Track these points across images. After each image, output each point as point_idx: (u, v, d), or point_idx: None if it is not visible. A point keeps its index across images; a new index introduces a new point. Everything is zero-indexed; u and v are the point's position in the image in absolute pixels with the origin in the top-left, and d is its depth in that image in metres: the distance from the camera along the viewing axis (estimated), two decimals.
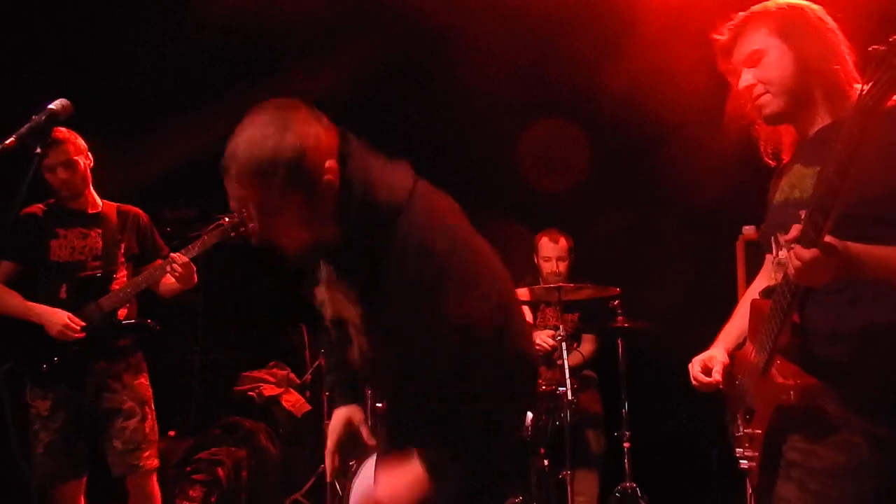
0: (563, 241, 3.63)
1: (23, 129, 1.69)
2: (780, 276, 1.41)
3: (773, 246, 1.54)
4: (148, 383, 2.98)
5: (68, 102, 1.78)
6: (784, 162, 1.60)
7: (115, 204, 2.97)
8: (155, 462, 2.93)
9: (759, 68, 1.49)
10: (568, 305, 3.32)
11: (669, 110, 3.45)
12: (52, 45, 4.21)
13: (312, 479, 3.88)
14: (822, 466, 1.35)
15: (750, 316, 1.56)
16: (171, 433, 4.12)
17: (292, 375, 4.31)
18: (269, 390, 4.13)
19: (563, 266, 3.58)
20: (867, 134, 1.17)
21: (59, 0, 4.17)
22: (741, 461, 1.54)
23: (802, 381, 1.35)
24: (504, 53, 3.91)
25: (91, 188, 2.89)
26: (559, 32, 3.78)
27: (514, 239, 3.96)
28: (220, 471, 3.56)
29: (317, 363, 4.03)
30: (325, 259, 1.52)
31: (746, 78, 1.51)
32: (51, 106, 1.75)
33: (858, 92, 1.18)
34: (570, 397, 2.81)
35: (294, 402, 4.16)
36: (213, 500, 3.52)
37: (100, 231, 2.85)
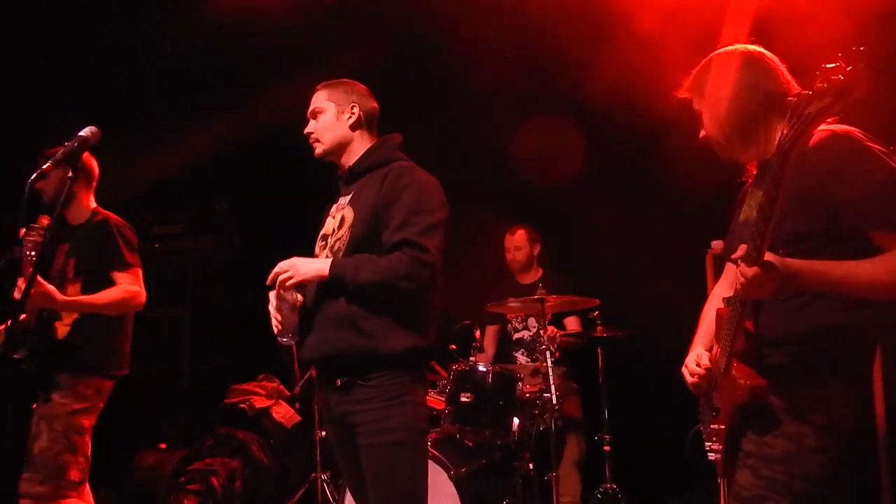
0: (518, 233, 3.97)
1: (57, 155, 1.83)
2: None
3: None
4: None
5: (97, 129, 1.93)
6: (748, 183, 1.82)
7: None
8: None
9: (702, 127, 1.76)
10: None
11: (649, 122, 3.65)
12: (50, 57, 4.27)
13: (304, 488, 3.98)
14: (772, 454, 1.54)
15: (715, 322, 1.76)
16: (162, 445, 4.20)
17: (282, 387, 4.41)
18: (260, 402, 4.23)
19: (519, 255, 3.95)
20: (787, 170, 1.39)
21: (55, 22, 4.24)
22: (709, 454, 1.73)
23: (754, 382, 1.55)
24: (498, 51, 4.02)
25: (82, 199, 2.82)
26: (555, 30, 3.88)
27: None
28: (214, 481, 3.66)
29: (307, 376, 4.13)
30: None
31: (701, 131, 1.77)
32: (82, 133, 1.91)
33: (780, 135, 1.40)
34: (554, 403, 2.97)
35: (284, 413, 4.26)
36: None
37: (65, 247, 2.80)
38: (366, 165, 2.20)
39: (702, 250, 3.64)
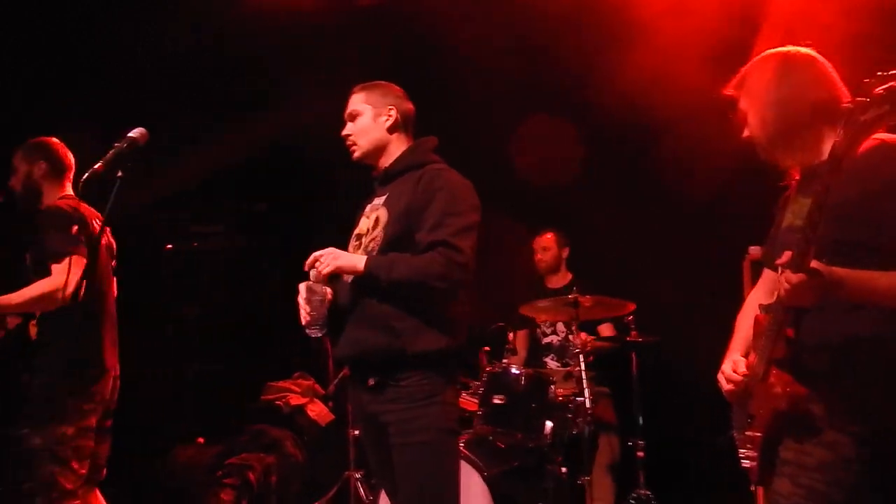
0: (547, 235, 4.00)
1: (108, 156, 1.90)
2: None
3: (780, 266, 1.72)
4: None
5: (145, 131, 1.99)
6: (790, 189, 1.80)
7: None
8: None
9: (747, 127, 1.74)
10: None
11: (685, 128, 3.63)
12: (81, 59, 4.39)
13: (337, 486, 4.03)
14: (811, 463, 1.52)
15: (753, 328, 1.75)
16: (201, 440, 4.29)
17: (317, 386, 4.48)
18: (295, 399, 4.30)
19: (547, 256, 3.98)
20: (837, 176, 1.38)
21: (92, 21, 4.36)
22: (743, 461, 1.72)
23: (793, 390, 1.54)
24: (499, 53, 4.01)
25: (47, 192, 2.73)
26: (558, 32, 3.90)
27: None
28: (250, 475, 3.73)
29: (341, 375, 4.18)
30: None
31: (745, 131, 1.75)
32: (131, 134, 1.97)
33: (832, 141, 1.39)
34: (588, 407, 2.97)
35: (319, 411, 4.32)
36: (244, 502, 3.68)
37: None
38: (401, 167, 2.23)
39: (739, 256, 3.60)
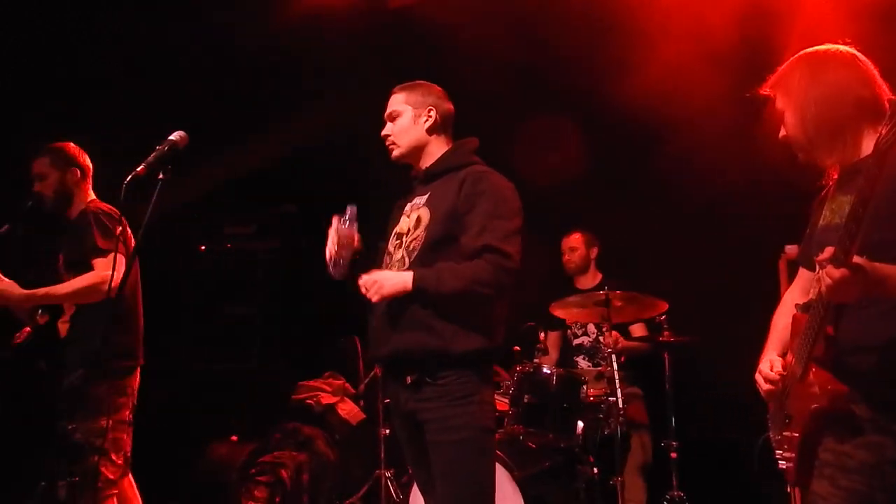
0: (574, 235, 3.98)
1: (150, 158, 1.95)
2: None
3: (817, 265, 1.69)
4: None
5: (185, 134, 2.03)
6: (827, 188, 1.77)
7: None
8: None
9: (783, 127, 1.72)
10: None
11: (719, 126, 3.58)
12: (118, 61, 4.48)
13: (368, 485, 4.05)
14: (852, 465, 1.49)
15: (791, 328, 1.72)
16: (234, 438, 4.35)
17: (347, 385, 4.51)
18: (327, 399, 4.34)
19: (574, 256, 3.95)
20: (883, 171, 1.35)
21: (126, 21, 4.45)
22: (780, 462, 1.69)
23: (834, 388, 1.51)
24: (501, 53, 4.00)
25: (78, 197, 2.85)
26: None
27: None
28: (283, 473, 3.77)
29: (371, 374, 4.21)
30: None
31: (782, 130, 1.73)
32: (171, 137, 2.01)
33: (878, 135, 1.36)
34: (620, 407, 2.94)
35: (349, 410, 4.35)
36: (277, 500, 3.73)
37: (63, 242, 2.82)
38: (442, 168, 2.24)
39: (774, 255, 3.54)
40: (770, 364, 1.72)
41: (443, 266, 2.07)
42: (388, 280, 2.07)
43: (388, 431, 3.95)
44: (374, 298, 2.06)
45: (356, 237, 2.17)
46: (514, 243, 2.09)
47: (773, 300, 3.42)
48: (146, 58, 4.41)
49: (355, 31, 4.34)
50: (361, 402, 4.46)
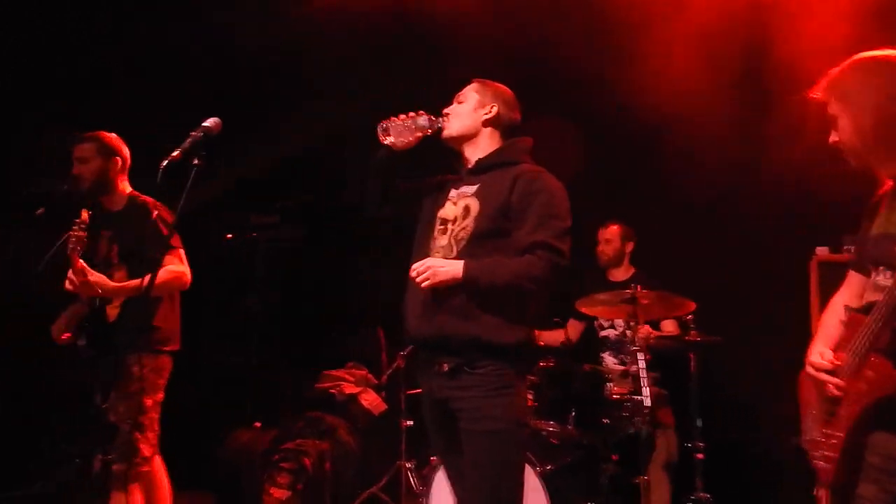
0: (611, 227, 3.93)
1: (185, 144, 1.97)
2: (878, 296, 1.56)
3: (872, 271, 1.67)
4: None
5: (219, 120, 2.05)
6: (881, 195, 1.73)
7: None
8: None
9: (834, 132, 1.69)
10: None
11: (750, 128, 3.54)
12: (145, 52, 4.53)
13: (389, 475, 4.08)
14: None
15: (845, 328, 1.68)
16: (257, 424, 4.40)
17: (370, 376, 4.53)
18: (349, 388, 4.37)
19: (609, 248, 3.91)
20: None
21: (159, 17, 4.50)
22: (816, 462, 1.67)
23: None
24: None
25: (119, 187, 2.94)
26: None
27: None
28: (306, 461, 3.80)
29: (394, 365, 4.22)
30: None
31: (833, 135, 1.70)
32: (206, 123, 2.03)
33: None
34: (646, 405, 2.92)
35: (372, 401, 4.37)
36: (299, 487, 3.76)
37: (108, 233, 2.91)
38: (495, 161, 2.27)
39: (804, 257, 3.50)
40: (821, 354, 1.69)
41: (495, 260, 2.10)
42: (441, 268, 2.09)
43: (409, 423, 3.97)
44: (425, 285, 2.08)
45: (426, 131, 2.24)
46: (566, 242, 2.13)
47: (803, 302, 3.41)
48: (178, 50, 4.47)
49: (371, 24, 4.35)
50: (384, 393, 4.48)
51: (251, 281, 5.34)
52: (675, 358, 3.52)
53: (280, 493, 3.76)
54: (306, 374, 4.68)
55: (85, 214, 2.69)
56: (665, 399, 3.61)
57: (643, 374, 2.97)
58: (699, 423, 3.32)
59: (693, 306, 3.28)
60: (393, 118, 2.27)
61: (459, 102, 2.33)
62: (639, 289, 3.19)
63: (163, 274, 2.76)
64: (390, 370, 4.34)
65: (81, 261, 2.69)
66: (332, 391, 4.35)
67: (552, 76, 4.09)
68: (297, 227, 5.38)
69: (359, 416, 4.30)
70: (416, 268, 2.11)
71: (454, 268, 2.09)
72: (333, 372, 4.50)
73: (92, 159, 2.90)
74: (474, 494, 2.07)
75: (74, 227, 2.64)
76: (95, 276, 2.72)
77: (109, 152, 2.93)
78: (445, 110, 2.33)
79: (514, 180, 2.17)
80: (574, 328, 4.01)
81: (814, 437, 1.71)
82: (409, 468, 3.93)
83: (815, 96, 1.72)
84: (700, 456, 3.30)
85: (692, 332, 3.35)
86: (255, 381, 5.08)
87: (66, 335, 2.87)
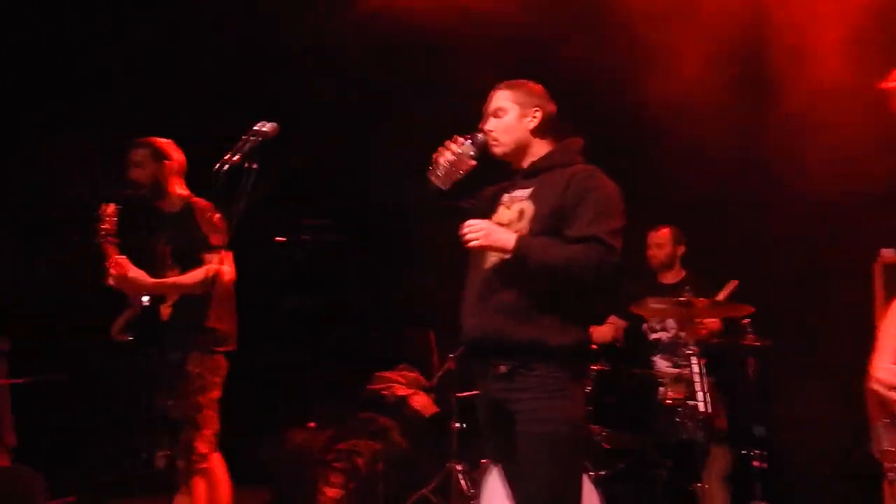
0: (662, 231, 3.85)
1: (244, 148, 2.03)
2: None
3: None
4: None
5: (276, 125, 2.11)
6: None
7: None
8: None
9: None
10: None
11: (814, 127, 3.44)
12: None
13: (439, 477, 4.09)
14: None
15: None
16: (312, 425, 4.48)
17: (421, 378, 4.57)
18: (401, 390, 4.41)
19: (660, 253, 3.84)
20: None
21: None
22: (889, 472, 1.61)
23: None
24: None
25: (173, 189, 3.03)
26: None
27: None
28: (359, 461, 3.86)
29: (445, 367, 4.24)
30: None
31: None
32: (264, 129, 2.09)
33: None
34: (702, 411, 2.86)
35: (423, 403, 4.40)
36: (351, 486, 3.82)
37: (164, 235, 3.00)
38: (548, 164, 2.25)
39: (868, 259, 3.38)
40: (886, 370, 1.63)
41: (549, 240, 2.07)
42: (495, 232, 2.08)
43: (460, 425, 3.98)
44: (473, 244, 2.07)
45: (472, 161, 2.16)
46: (619, 241, 2.09)
47: (867, 305, 3.29)
48: (238, 51, 4.59)
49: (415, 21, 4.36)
50: (434, 395, 4.50)
51: (304, 283, 5.45)
52: (731, 363, 3.44)
53: (333, 493, 3.83)
54: (359, 376, 4.74)
55: (111, 207, 2.79)
56: (721, 405, 3.53)
57: (698, 378, 2.91)
58: (758, 430, 3.23)
59: (750, 310, 3.19)
60: (437, 159, 2.18)
61: (498, 116, 2.26)
62: (692, 296, 3.12)
63: (199, 272, 2.82)
64: (441, 372, 4.35)
65: (117, 255, 2.76)
66: (384, 392, 4.40)
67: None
68: (349, 230, 5.47)
69: (409, 418, 4.33)
70: (470, 223, 2.09)
71: (507, 237, 2.07)
72: (385, 373, 4.55)
73: (147, 164, 3.00)
74: (533, 498, 2.06)
75: (102, 221, 2.72)
76: (135, 272, 2.78)
77: (162, 157, 3.03)
78: (486, 127, 2.26)
79: (568, 181, 2.15)
80: (616, 326, 3.95)
81: (885, 448, 1.65)
82: (461, 471, 3.95)
83: (884, 87, 1.66)
84: (759, 464, 3.21)
85: (749, 336, 3.27)
86: (308, 382, 5.18)
87: (121, 334, 2.98)
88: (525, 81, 2.32)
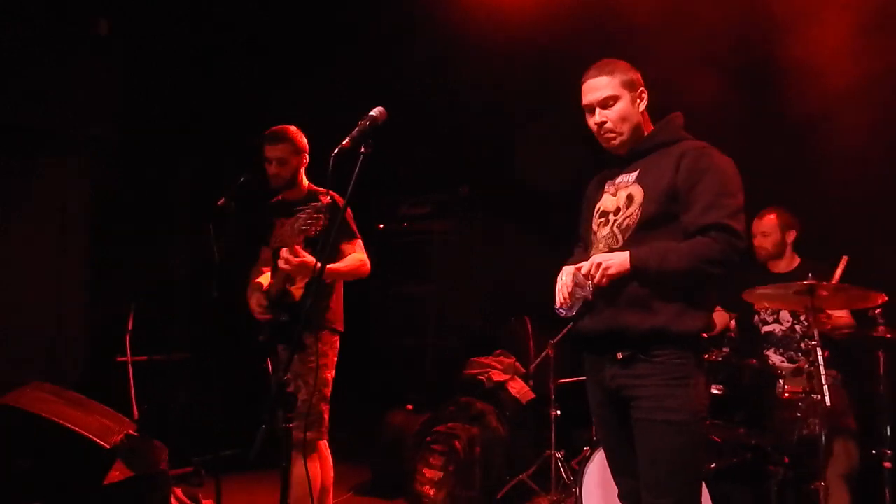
0: (767, 217, 3.52)
1: (354, 133, 2.05)
2: None
3: None
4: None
5: (384, 110, 2.11)
6: None
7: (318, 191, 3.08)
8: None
9: None
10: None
11: None
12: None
13: (538, 463, 4.06)
14: None
15: None
16: (409, 407, 4.54)
17: (518, 364, 4.53)
18: (498, 376, 4.39)
19: (767, 242, 3.50)
20: None
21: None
22: None
23: None
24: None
25: (302, 178, 3.09)
26: None
27: None
28: (457, 444, 3.87)
29: (543, 354, 4.18)
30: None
31: None
32: (372, 113, 2.10)
33: None
34: (825, 406, 2.66)
35: (520, 389, 4.37)
36: (451, 468, 3.84)
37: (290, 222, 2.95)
38: (652, 144, 2.14)
39: None
40: None
41: (664, 245, 1.99)
42: (610, 261, 2.00)
43: (558, 412, 3.91)
44: (604, 282, 2.00)
45: (591, 294, 2.05)
46: (742, 221, 1.99)
47: None
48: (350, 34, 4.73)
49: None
50: (531, 382, 4.46)
51: (402, 270, 5.53)
52: (859, 356, 3.18)
53: (432, 474, 3.86)
54: (456, 360, 4.76)
55: (326, 199, 2.76)
56: (846, 400, 3.27)
57: (822, 370, 2.70)
58: (888, 429, 2.97)
59: (882, 298, 2.93)
60: (561, 295, 2.09)
61: (608, 106, 2.11)
62: (815, 280, 2.89)
63: (353, 261, 2.98)
64: (539, 359, 4.31)
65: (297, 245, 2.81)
66: (481, 377, 4.39)
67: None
68: (447, 218, 5.49)
69: (507, 404, 4.31)
70: (587, 269, 2.02)
71: (621, 259, 1.99)
72: (482, 359, 4.54)
73: (290, 159, 3.06)
74: (652, 488, 1.99)
75: (309, 210, 2.59)
76: (309, 258, 2.84)
77: (301, 150, 3.09)
78: (598, 121, 2.13)
79: (678, 160, 2.03)
80: (721, 317, 3.69)
81: None
82: (559, 458, 3.89)
83: None
84: (888, 465, 2.96)
85: (880, 327, 3.00)
86: (408, 366, 5.27)
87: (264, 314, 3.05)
88: (615, 60, 2.17)
